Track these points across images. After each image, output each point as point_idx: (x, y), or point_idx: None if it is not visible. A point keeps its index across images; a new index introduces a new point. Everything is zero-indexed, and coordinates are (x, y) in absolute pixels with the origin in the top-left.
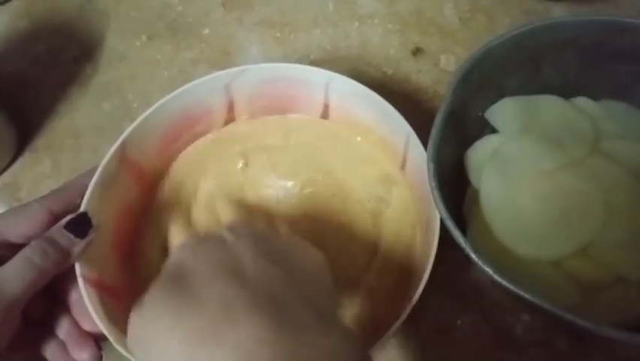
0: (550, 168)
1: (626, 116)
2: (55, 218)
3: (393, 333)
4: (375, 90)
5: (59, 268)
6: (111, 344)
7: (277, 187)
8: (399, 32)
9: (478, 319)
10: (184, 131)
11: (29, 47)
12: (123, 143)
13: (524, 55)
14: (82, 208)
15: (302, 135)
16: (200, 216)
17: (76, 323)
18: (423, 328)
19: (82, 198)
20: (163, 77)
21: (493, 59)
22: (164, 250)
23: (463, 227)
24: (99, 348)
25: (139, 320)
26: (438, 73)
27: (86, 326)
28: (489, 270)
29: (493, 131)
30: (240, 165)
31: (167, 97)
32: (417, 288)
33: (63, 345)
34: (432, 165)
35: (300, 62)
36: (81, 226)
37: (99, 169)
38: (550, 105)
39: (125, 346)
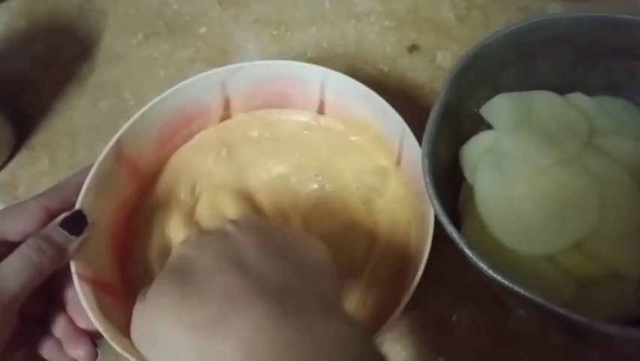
0: (545, 164)
1: (620, 112)
2: (52, 216)
3: (389, 328)
4: (371, 87)
5: (56, 266)
6: (107, 342)
7: (268, 179)
8: (395, 30)
9: (474, 314)
10: (180, 129)
11: (28, 46)
12: (119, 140)
13: (519, 51)
14: (77, 206)
15: (292, 128)
16: (199, 213)
17: (71, 321)
18: (419, 323)
19: (78, 195)
20: (160, 76)
21: (488, 56)
22: (161, 248)
23: (457, 223)
24: (95, 345)
25: (143, 313)
26: (434, 70)
27: (82, 324)
28: (483, 265)
29: (489, 127)
30: (225, 154)
31: (163, 94)
32: (412, 283)
33: (59, 343)
34: (426, 161)
35: (297, 60)
36: (77, 223)
37: (95, 166)
38: (545, 101)
39: (120, 343)
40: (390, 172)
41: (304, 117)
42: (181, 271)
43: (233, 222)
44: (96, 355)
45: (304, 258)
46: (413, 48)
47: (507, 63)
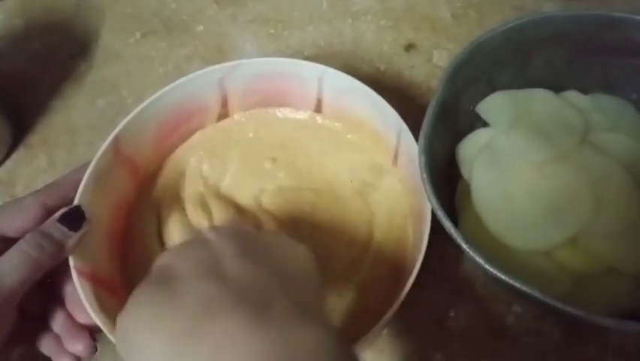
0: (540, 160)
1: (615, 110)
2: (49, 212)
3: (386, 323)
4: (368, 86)
5: (54, 261)
6: (106, 336)
7: (263, 179)
8: (392, 28)
9: (470, 309)
10: (178, 126)
11: (25, 44)
12: (117, 137)
13: (515, 49)
14: (75, 202)
15: (288, 128)
16: (193, 213)
17: (70, 316)
18: (416, 318)
19: (76, 192)
20: (157, 74)
21: (484, 54)
22: (160, 246)
23: (454, 220)
24: (94, 340)
25: (123, 322)
26: (431, 68)
27: (81, 319)
28: (480, 260)
29: (485, 124)
30: (221, 155)
31: (161, 91)
32: (409, 279)
33: (58, 339)
34: (423, 157)
35: (294, 58)
36: (75, 219)
37: (92, 163)
38: (540, 99)
39: None
40: (386, 169)
41: (301, 116)
42: (160, 280)
43: (214, 229)
44: (95, 349)
45: (284, 265)
46: (410, 47)
47: (503, 61)
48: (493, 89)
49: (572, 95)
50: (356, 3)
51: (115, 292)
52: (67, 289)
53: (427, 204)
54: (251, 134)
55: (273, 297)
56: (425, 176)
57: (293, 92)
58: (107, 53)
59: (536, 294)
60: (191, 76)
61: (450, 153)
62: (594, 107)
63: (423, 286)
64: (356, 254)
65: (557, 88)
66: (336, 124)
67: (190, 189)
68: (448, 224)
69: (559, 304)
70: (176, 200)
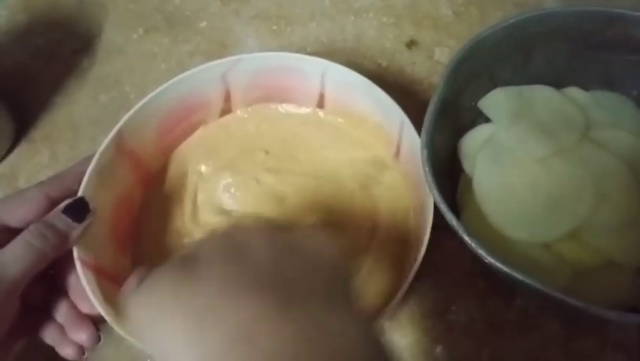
0: (541, 155)
1: (616, 106)
2: (53, 204)
3: (388, 316)
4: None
5: (58, 252)
6: (109, 326)
7: (265, 174)
8: (394, 25)
9: (472, 304)
10: (180, 121)
11: (28, 40)
12: (120, 131)
13: (516, 45)
14: (79, 194)
15: (290, 123)
16: (200, 211)
17: (74, 306)
18: (417, 312)
19: (79, 184)
20: (160, 70)
21: (485, 49)
22: (165, 242)
23: (456, 214)
24: (97, 329)
25: (141, 299)
26: (432, 65)
27: (84, 309)
28: (482, 252)
29: (486, 120)
30: (223, 151)
31: (164, 85)
32: (410, 272)
33: (62, 329)
34: (425, 151)
35: None
36: (79, 210)
37: (96, 156)
38: (542, 95)
39: (122, 327)
40: (388, 163)
41: (303, 111)
42: (182, 264)
43: (237, 224)
44: (99, 338)
45: (312, 256)
46: (411, 44)
47: (504, 57)
48: (494, 85)
49: (573, 92)
50: (358, 0)
51: (119, 284)
52: (71, 280)
53: (429, 199)
54: (252, 130)
55: (299, 281)
56: (427, 169)
57: (295, 87)
58: (109, 49)
59: (538, 285)
60: (194, 70)
61: (451, 149)
62: (595, 103)
63: (424, 280)
64: (359, 248)
65: (558, 84)
66: (339, 119)
67: (193, 187)
68: (450, 216)
69: (560, 296)
70: (180, 199)
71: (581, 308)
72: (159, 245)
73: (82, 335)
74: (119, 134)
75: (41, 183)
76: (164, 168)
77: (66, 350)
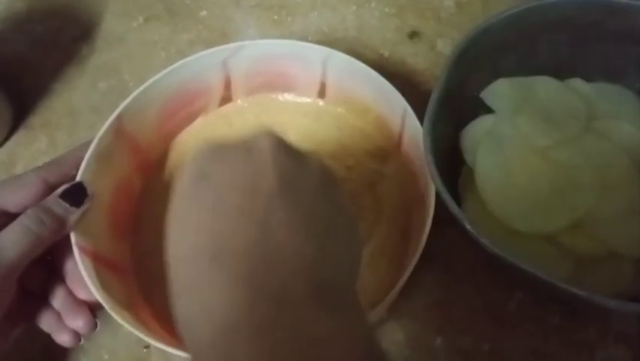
0: (544, 145)
1: (618, 98)
2: (51, 189)
3: (387, 306)
4: None
5: (55, 237)
6: (105, 313)
7: None
8: (395, 16)
9: (472, 296)
10: (181, 107)
11: (27, 27)
12: (119, 116)
13: (519, 35)
14: (77, 179)
15: (290, 113)
16: None
17: (71, 293)
18: (418, 304)
19: (77, 170)
20: (160, 58)
21: (488, 39)
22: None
23: (458, 205)
24: (94, 316)
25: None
26: (434, 56)
27: (81, 295)
28: (484, 240)
29: (489, 111)
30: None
31: (165, 70)
32: (411, 262)
33: (58, 315)
34: (428, 139)
35: None
36: (76, 194)
37: (95, 141)
38: (544, 86)
39: (119, 314)
40: (390, 154)
41: (304, 101)
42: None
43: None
44: (95, 325)
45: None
46: (414, 34)
47: (507, 47)
48: (497, 75)
49: (576, 83)
50: None
51: (117, 271)
52: (68, 266)
53: (431, 190)
54: (252, 120)
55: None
56: (430, 157)
57: (297, 75)
58: (109, 37)
59: (540, 275)
60: (195, 56)
61: (453, 141)
62: (597, 94)
63: (424, 271)
64: (362, 238)
65: (561, 75)
66: (339, 109)
67: None
68: (452, 205)
69: (562, 284)
70: None
71: (584, 297)
72: (158, 234)
73: (78, 322)
74: (119, 119)
75: (39, 167)
76: (164, 156)
77: (62, 337)
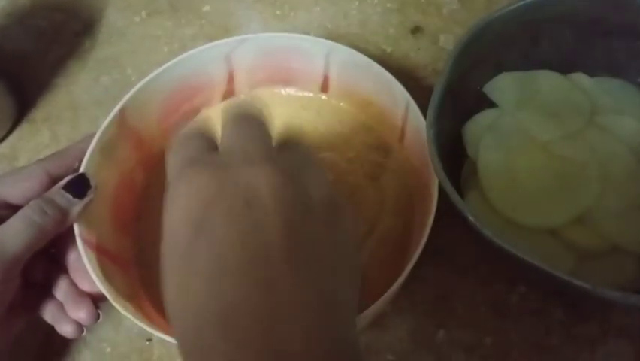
0: (547, 140)
1: (621, 93)
2: (54, 181)
3: (390, 300)
4: None
5: (58, 228)
6: (107, 305)
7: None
8: (398, 11)
9: (474, 289)
10: (184, 101)
11: (29, 22)
12: (123, 108)
13: (522, 30)
14: (81, 170)
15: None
16: None
17: (74, 284)
18: (420, 297)
19: (80, 162)
20: (163, 53)
21: (491, 34)
22: None
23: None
24: (97, 307)
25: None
26: (437, 51)
27: (84, 286)
28: (487, 233)
29: (491, 105)
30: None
31: (168, 63)
32: (413, 255)
33: (61, 306)
34: (431, 131)
35: None
36: (79, 186)
37: (98, 134)
38: (547, 80)
39: (122, 305)
40: (392, 147)
41: (305, 95)
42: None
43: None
44: (98, 316)
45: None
46: (416, 30)
47: (510, 41)
48: (499, 69)
49: (579, 78)
50: None
51: (119, 264)
52: (71, 258)
53: (433, 183)
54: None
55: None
56: (433, 149)
57: (299, 69)
58: (111, 32)
59: (544, 267)
60: (198, 49)
61: (456, 135)
62: (600, 89)
63: (427, 264)
64: (363, 232)
65: (564, 70)
66: (341, 104)
67: None
68: (455, 197)
69: (565, 277)
70: None
71: (588, 290)
72: (161, 227)
73: (81, 313)
74: (122, 112)
75: (42, 160)
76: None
77: (65, 328)
